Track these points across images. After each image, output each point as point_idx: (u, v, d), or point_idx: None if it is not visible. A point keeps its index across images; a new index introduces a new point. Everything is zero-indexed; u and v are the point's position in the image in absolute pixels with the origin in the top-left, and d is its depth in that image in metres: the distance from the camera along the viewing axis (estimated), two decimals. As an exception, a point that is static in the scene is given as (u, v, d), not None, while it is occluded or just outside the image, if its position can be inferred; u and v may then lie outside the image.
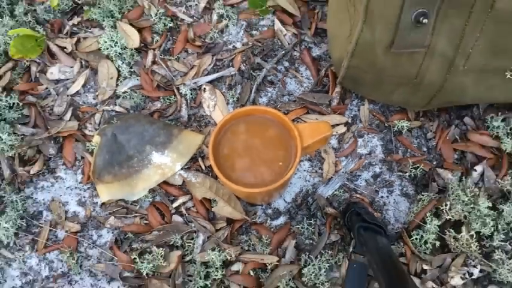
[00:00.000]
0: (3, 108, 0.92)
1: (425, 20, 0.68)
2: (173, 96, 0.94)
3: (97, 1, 0.99)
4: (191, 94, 0.94)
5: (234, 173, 0.47)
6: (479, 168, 0.86)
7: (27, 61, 0.97)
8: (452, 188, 0.83)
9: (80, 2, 1.01)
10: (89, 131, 0.93)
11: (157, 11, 0.99)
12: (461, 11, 0.68)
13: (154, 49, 0.98)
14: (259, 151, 0.49)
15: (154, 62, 0.97)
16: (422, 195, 0.84)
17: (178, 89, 0.94)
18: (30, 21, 0.99)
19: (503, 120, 0.88)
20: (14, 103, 0.93)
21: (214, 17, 1.00)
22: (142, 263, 0.81)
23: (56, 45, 0.98)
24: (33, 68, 0.97)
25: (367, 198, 0.87)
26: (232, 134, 0.49)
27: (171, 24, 0.98)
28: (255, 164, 0.48)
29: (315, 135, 0.50)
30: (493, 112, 0.90)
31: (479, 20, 0.68)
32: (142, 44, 0.97)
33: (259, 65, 0.96)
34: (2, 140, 0.88)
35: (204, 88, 0.94)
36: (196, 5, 1.01)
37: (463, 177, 0.86)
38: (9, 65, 0.97)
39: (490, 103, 0.91)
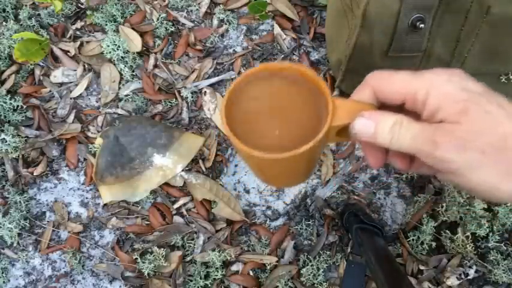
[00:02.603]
0: (8, 111, 0.93)
1: (422, 25, 0.70)
2: (174, 99, 0.96)
3: (100, 6, 1.01)
4: (192, 97, 0.95)
5: (250, 139, 0.38)
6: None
7: (31, 64, 0.99)
8: (448, 189, 0.84)
9: (83, 7, 1.03)
10: (92, 133, 0.94)
11: (159, 15, 1.00)
12: (457, 16, 0.70)
13: (156, 53, 0.99)
14: (282, 118, 0.39)
15: (156, 66, 0.99)
16: (419, 197, 0.86)
17: (179, 92, 0.96)
18: (34, 26, 1.01)
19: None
20: (18, 106, 0.94)
21: (215, 22, 1.02)
22: (143, 263, 0.82)
23: (60, 49, 1.00)
24: (37, 71, 0.99)
25: (364, 200, 0.88)
26: (251, 95, 0.40)
27: (172, 29, 1.00)
28: (274, 133, 0.39)
29: (352, 116, 0.37)
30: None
31: (474, 25, 0.70)
32: (144, 48, 0.99)
33: (259, 68, 0.97)
34: (6, 141, 0.90)
35: (205, 91, 0.96)
36: (197, 10, 1.03)
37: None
38: (14, 68, 0.99)
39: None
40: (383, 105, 0.35)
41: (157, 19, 1.00)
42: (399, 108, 0.34)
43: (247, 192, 0.90)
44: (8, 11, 1.03)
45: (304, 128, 0.37)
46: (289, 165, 0.38)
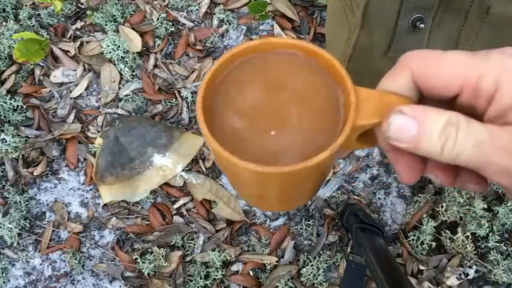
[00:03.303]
0: (8, 111, 0.93)
1: (422, 25, 0.69)
2: (174, 99, 0.96)
3: (100, 6, 1.01)
4: (192, 97, 0.95)
5: (234, 142, 0.26)
6: (475, 170, 0.88)
7: (31, 64, 0.99)
8: (448, 189, 0.84)
9: (83, 7, 1.03)
10: (92, 133, 0.94)
11: (159, 15, 1.00)
12: (457, 16, 0.70)
13: (156, 53, 0.99)
14: (280, 114, 0.27)
15: (156, 66, 0.99)
16: (419, 197, 0.86)
17: (179, 92, 0.96)
18: (34, 26, 1.01)
19: None
20: (18, 105, 0.94)
21: (215, 22, 1.02)
22: (143, 263, 0.82)
23: (60, 49, 1.00)
24: (37, 71, 0.99)
25: (364, 200, 0.88)
26: (238, 82, 0.28)
27: (172, 29, 1.00)
28: (268, 134, 0.27)
29: (383, 113, 0.26)
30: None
31: (474, 25, 0.70)
32: (144, 48, 0.99)
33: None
34: (6, 141, 0.90)
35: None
36: (197, 10, 1.03)
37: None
38: (14, 68, 0.99)
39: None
40: (423, 99, 0.26)
41: (158, 19, 1.00)
42: (446, 104, 0.25)
43: (247, 192, 0.90)
44: (8, 11, 1.03)
45: (311, 128, 0.26)
46: (291, 182, 0.26)
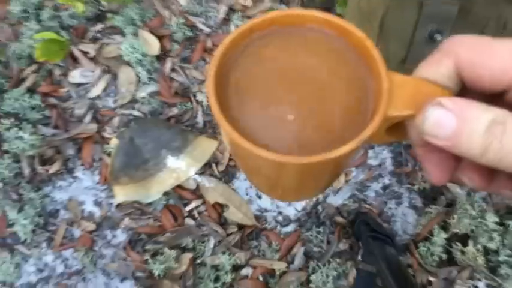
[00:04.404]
0: (26, 109, 0.95)
1: (439, 37, 0.70)
2: (190, 102, 0.97)
3: (120, 9, 1.03)
4: (207, 101, 0.96)
5: (249, 128, 0.23)
6: (487, 183, 0.88)
7: (50, 64, 1.01)
8: (460, 202, 0.84)
9: (103, 9, 1.04)
10: (108, 133, 0.95)
11: (178, 20, 1.02)
12: (474, 30, 0.70)
13: (173, 57, 1.01)
14: (301, 97, 0.24)
15: (173, 70, 1.00)
16: (430, 208, 0.86)
17: (195, 96, 0.97)
18: (55, 27, 1.02)
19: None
20: (36, 104, 0.96)
21: (232, 28, 1.03)
22: (154, 263, 0.83)
23: (79, 50, 1.02)
24: (56, 71, 1.01)
25: (375, 209, 0.88)
26: (255, 60, 0.25)
27: (190, 34, 1.02)
28: (286, 119, 0.24)
29: (418, 104, 0.23)
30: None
31: None
32: (162, 52, 1.00)
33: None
34: (24, 139, 0.91)
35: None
36: (215, 16, 1.04)
37: (471, 192, 0.88)
38: (33, 67, 1.01)
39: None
40: (463, 92, 0.23)
41: (176, 24, 1.01)
42: (489, 99, 0.22)
43: (259, 197, 0.90)
44: (29, 12, 1.05)
45: (335, 116, 0.23)
46: (310, 173, 0.24)
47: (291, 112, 0.23)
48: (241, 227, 0.88)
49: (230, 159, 0.92)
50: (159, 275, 0.83)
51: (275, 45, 0.25)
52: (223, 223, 0.89)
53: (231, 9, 1.04)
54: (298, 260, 0.85)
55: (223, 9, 1.04)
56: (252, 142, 0.22)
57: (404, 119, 0.23)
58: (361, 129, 0.22)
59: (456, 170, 0.24)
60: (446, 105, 0.20)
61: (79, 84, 1.00)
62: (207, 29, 1.04)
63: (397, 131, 0.24)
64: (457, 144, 0.20)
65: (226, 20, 1.04)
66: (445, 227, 0.84)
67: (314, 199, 0.90)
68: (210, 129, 0.95)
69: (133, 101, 0.98)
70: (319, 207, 0.89)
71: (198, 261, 0.86)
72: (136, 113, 0.97)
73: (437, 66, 0.23)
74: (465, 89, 0.23)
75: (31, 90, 0.98)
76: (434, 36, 0.70)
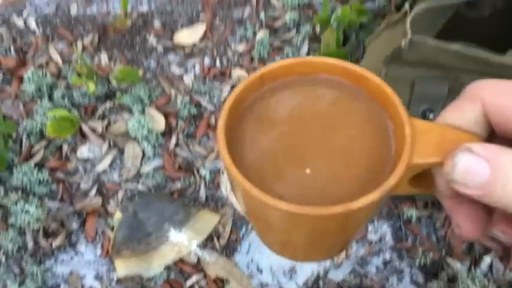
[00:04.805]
0: (34, 183, 0.98)
1: (431, 115, 0.74)
2: (193, 177, 1.00)
3: (129, 88, 1.09)
4: (210, 176, 0.99)
5: (262, 181, 0.22)
6: (487, 259, 0.88)
7: (59, 140, 1.05)
8: (461, 277, 0.84)
9: (113, 88, 1.10)
10: (112, 207, 0.97)
11: (183, 99, 1.07)
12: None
13: (178, 133, 1.05)
14: (317, 149, 0.23)
15: (177, 145, 1.04)
16: (432, 283, 0.86)
17: (198, 170, 1.00)
18: (66, 104, 1.08)
19: (509, 212, 0.91)
20: (44, 178, 0.99)
21: (235, 106, 1.08)
22: None
23: (88, 126, 1.06)
24: (65, 147, 1.05)
25: (377, 285, 0.88)
26: (268, 110, 0.24)
27: (194, 111, 1.07)
28: (303, 173, 0.23)
29: (445, 151, 0.21)
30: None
31: None
32: (167, 128, 1.05)
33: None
34: (30, 213, 0.93)
35: (222, 171, 1.00)
36: (219, 95, 1.10)
37: (472, 267, 0.88)
38: (43, 143, 1.05)
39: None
40: (491, 138, 0.22)
41: (181, 102, 1.07)
42: None
43: (260, 271, 0.90)
44: (43, 91, 1.11)
45: (355, 166, 0.22)
46: (330, 227, 0.22)
47: (307, 165, 0.22)
48: (242, 302, 0.88)
49: (231, 233, 0.93)
50: None
51: (288, 96, 0.24)
52: (223, 298, 0.88)
53: (234, 88, 1.10)
54: (300, 338, 0.84)
55: (226, 88, 1.10)
56: (266, 194, 0.20)
57: (429, 168, 0.22)
58: (383, 180, 0.20)
59: (488, 223, 0.22)
60: (477, 151, 0.19)
61: (86, 159, 1.04)
62: (211, 107, 1.09)
63: (422, 181, 0.23)
64: (490, 193, 0.19)
65: (229, 99, 1.10)
66: (447, 303, 0.84)
67: (315, 274, 0.89)
68: (212, 203, 0.97)
69: (138, 175, 1.01)
70: (321, 282, 0.88)
71: (198, 338, 0.85)
72: (140, 187, 0.99)
73: (462, 112, 0.22)
74: (492, 135, 0.22)
75: (39, 165, 1.02)
76: (427, 114, 0.74)
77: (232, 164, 0.22)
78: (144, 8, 1.24)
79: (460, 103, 0.22)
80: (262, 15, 1.21)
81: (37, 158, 1.02)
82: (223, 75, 1.14)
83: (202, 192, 0.98)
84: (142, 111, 1.06)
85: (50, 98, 1.10)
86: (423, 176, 0.23)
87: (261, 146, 0.23)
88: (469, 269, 0.88)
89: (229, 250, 0.92)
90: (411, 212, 0.93)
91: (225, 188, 0.98)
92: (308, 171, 0.22)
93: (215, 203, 0.97)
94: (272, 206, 0.20)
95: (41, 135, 1.05)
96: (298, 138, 0.23)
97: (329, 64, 0.24)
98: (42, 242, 0.94)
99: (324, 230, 0.22)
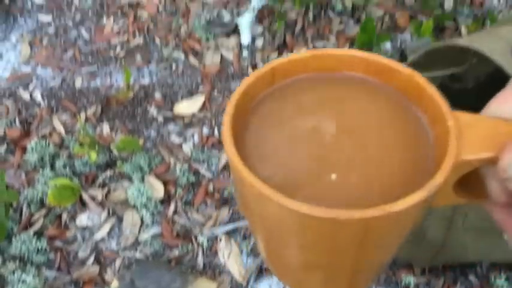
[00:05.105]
0: (32, 252, 0.98)
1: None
2: (191, 244, 1.00)
3: (130, 157, 1.12)
4: (208, 243, 1.00)
5: (281, 191, 0.17)
6: (488, 326, 0.87)
7: (59, 208, 1.06)
8: None
9: (114, 157, 1.13)
10: (109, 275, 0.97)
11: (182, 167, 1.10)
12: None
13: (176, 200, 1.07)
14: (345, 153, 0.20)
15: (175, 212, 1.05)
16: None
17: (196, 237, 1.01)
18: (68, 173, 1.10)
19: (506, 279, 0.91)
20: (42, 247, 0.99)
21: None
22: None
23: (88, 194, 1.08)
24: (64, 215, 1.06)
25: None
26: (278, 113, 0.21)
27: (193, 179, 1.09)
28: (327, 179, 0.19)
29: (498, 143, 0.18)
30: (496, 271, 0.93)
31: (463, 207, 0.77)
32: (166, 196, 1.07)
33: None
34: (27, 282, 0.93)
35: (220, 238, 1.01)
36: (216, 163, 1.13)
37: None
38: (43, 211, 1.06)
39: (492, 262, 0.95)
40: None
41: (180, 170, 1.09)
42: None
43: None
44: (45, 160, 1.13)
45: (387, 170, 0.19)
46: (365, 240, 0.18)
47: (332, 170, 0.18)
48: None
49: (229, 302, 0.93)
50: None
51: (304, 97, 0.21)
52: None
53: (232, 157, 1.13)
54: None
55: (224, 157, 1.13)
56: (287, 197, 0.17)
57: (479, 167, 0.19)
58: (423, 184, 0.17)
59: None
60: None
61: (85, 228, 1.04)
62: (209, 174, 1.11)
63: (469, 187, 0.20)
64: None
65: (227, 167, 1.13)
66: None
67: None
68: (210, 271, 0.97)
69: (136, 242, 1.02)
70: None
71: None
72: (138, 254, 0.99)
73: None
74: None
75: (38, 234, 1.02)
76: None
77: (240, 161, 0.18)
78: (145, 80, 1.30)
79: (508, 94, 0.19)
80: (258, 86, 1.27)
81: (36, 226, 1.03)
82: (221, 143, 1.17)
83: (200, 260, 0.98)
84: (142, 179, 1.08)
85: (52, 167, 1.13)
86: (470, 182, 0.20)
87: (273, 150, 0.20)
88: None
89: (227, 319, 0.91)
90: (409, 279, 0.93)
91: (223, 255, 0.99)
92: (334, 177, 0.18)
93: (213, 270, 0.97)
94: (291, 210, 0.16)
95: (41, 204, 1.07)
96: (318, 141, 0.20)
97: (349, 57, 0.21)
98: (37, 312, 0.93)
99: (356, 243, 0.18)
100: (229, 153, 0.18)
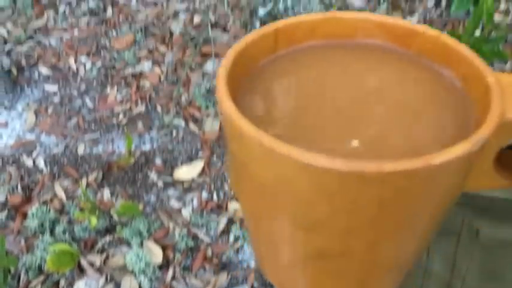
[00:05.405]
0: (27, 320, 0.97)
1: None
2: (189, 311, 0.99)
3: (129, 222, 1.13)
4: None
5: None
6: None
7: (57, 275, 1.06)
8: None
9: (114, 222, 1.14)
10: None
11: (181, 231, 1.11)
12: (451, 238, 0.78)
13: (175, 266, 1.07)
14: (367, 118, 0.16)
15: (174, 278, 1.05)
16: None
17: (194, 304, 1.00)
18: (67, 239, 1.11)
19: None
20: (38, 315, 0.98)
21: (231, 238, 1.11)
22: None
23: (87, 260, 1.08)
24: (62, 282, 1.05)
25: None
26: (283, 83, 0.18)
27: (191, 244, 1.09)
28: (348, 145, 0.16)
29: None
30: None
31: (468, 247, 0.78)
32: (164, 260, 1.07)
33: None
34: None
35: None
36: (215, 227, 1.14)
37: None
38: (41, 278, 1.05)
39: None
40: None
41: (179, 235, 1.10)
42: None
43: None
44: (45, 226, 1.14)
45: (419, 139, 0.16)
46: (389, 209, 0.15)
47: (354, 137, 0.16)
48: None
49: None
50: None
51: (312, 69, 0.18)
52: None
53: (230, 221, 1.14)
54: None
55: (223, 220, 1.15)
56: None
57: None
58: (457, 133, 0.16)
59: None
60: None
61: (82, 294, 1.03)
62: (207, 239, 1.12)
63: (510, 167, 0.18)
64: None
65: (226, 231, 1.13)
66: None
67: None
68: None
69: (134, 310, 1.00)
70: None
71: None
72: (135, 322, 0.98)
73: None
74: None
75: (35, 301, 1.01)
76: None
77: (238, 113, 0.15)
78: (146, 146, 1.34)
79: None
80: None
81: (33, 293, 1.02)
82: (220, 208, 1.19)
83: (198, 327, 0.97)
84: (141, 244, 1.09)
85: (52, 233, 1.14)
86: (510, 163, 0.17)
87: (281, 117, 0.17)
88: None
89: None
90: None
91: (222, 322, 0.97)
92: (355, 143, 0.16)
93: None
94: (312, 167, 0.13)
95: (40, 270, 1.06)
96: (334, 108, 0.17)
97: (364, 20, 0.18)
98: None
99: (377, 215, 0.15)
100: (225, 106, 0.15)
